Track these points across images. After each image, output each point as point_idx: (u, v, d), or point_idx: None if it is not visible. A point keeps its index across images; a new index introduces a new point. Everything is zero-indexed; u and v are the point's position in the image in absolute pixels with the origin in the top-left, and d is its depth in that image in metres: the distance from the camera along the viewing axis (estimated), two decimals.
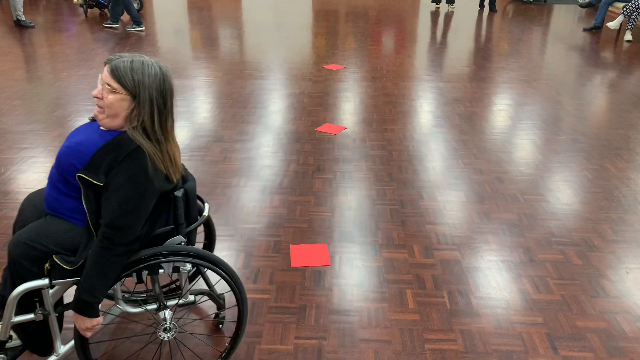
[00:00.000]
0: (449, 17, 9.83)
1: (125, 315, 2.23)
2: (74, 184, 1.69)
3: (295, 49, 7.16)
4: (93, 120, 1.82)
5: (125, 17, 9.15)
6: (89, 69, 5.98)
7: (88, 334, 1.71)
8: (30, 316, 1.75)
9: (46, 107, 4.78)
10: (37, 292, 1.73)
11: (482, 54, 7.07)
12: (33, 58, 6.45)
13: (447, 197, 3.34)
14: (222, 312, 2.22)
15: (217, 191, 3.37)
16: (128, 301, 1.97)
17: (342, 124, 4.53)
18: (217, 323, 2.23)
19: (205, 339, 2.19)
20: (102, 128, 1.74)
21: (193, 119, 4.58)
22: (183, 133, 4.27)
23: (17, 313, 1.73)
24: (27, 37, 7.56)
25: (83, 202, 1.66)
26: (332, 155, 3.91)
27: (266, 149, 4.00)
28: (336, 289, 2.50)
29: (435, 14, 10.08)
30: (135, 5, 9.39)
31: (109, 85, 1.65)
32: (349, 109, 4.88)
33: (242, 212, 3.13)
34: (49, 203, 1.76)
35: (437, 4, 10.84)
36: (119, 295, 1.87)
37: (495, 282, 2.56)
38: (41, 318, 1.75)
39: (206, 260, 1.84)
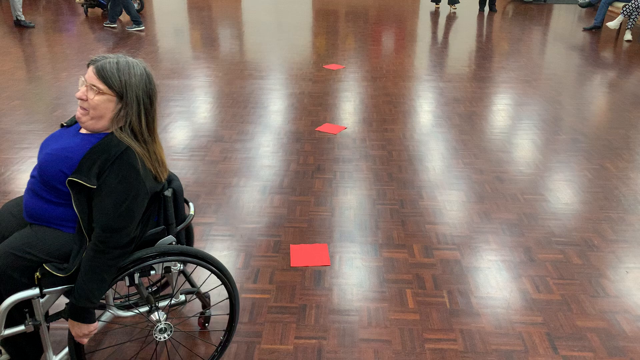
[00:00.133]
0: (449, 17, 9.83)
1: (118, 319, 2.22)
2: (62, 191, 1.65)
3: (295, 49, 7.16)
4: (67, 126, 1.80)
5: (125, 17, 9.15)
6: None
7: (85, 341, 1.69)
8: (21, 328, 1.70)
9: (46, 107, 4.78)
10: (25, 303, 1.69)
11: (482, 53, 7.07)
12: (33, 58, 6.46)
13: (447, 197, 3.34)
14: (207, 311, 2.22)
15: (217, 191, 3.37)
16: (119, 305, 1.95)
17: (342, 123, 4.53)
18: (203, 322, 2.23)
19: (200, 336, 2.19)
20: (83, 131, 1.71)
21: (193, 118, 4.58)
22: (183, 133, 4.28)
23: (7, 326, 1.68)
24: (27, 37, 7.56)
25: (74, 207, 1.63)
26: (332, 155, 3.91)
27: (266, 148, 4.00)
28: (336, 288, 2.50)
29: (435, 14, 10.08)
30: (135, 5, 9.40)
31: (94, 86, 1.62)
32: (349, 109, 4.88)
33: (242, 212, 3.13)
34: (32, 214, 1.71)
35: (437, 3, 10.83)
36: (111, 300, 1.85)
37: (495, 282, 2.56)
38: (32, 329, 1.70)
39: (200, 258, 1.85)
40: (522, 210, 3.21)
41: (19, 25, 8.16)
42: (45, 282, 1.66)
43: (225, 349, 2.05)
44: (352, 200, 3.28)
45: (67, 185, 1.61)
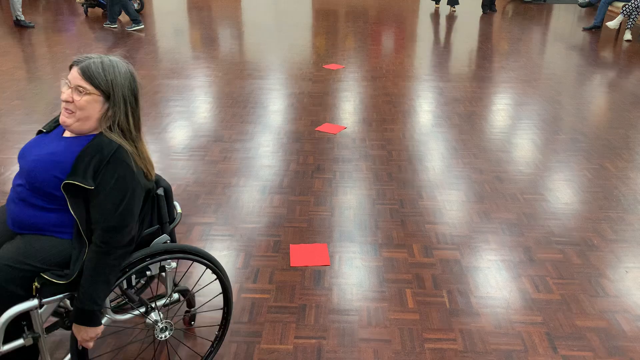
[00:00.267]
0: (449, 17, 9.83)
1: (118, 323, 2.22)
2: (56, 196, 1.62)
3: (295, 49, 7.16)
4: (47, 131, 1.75)
5: (125, 17, 9.15)
6: None
7: (91, 345, 1.66)
8: (20, 342, 1.64)
9: (46, 107, 4.78)
10: (21, 315, 1.63)
11: (482, 53, 7.07)
12: (33, 58, 6.46)
13: (447, 197, 3.34)
14: (192, 309, 2.22)
15: (216, 191, 3.37)
16: (114, 308, 1.94)
17: (341, 123, 4.53)
18: (189, 320, 2.24)
19: (193, 333, 2.19)
20: (67, 135, 1.69)
21: (193, 118, 4.58)
22: (183, 133, 4.28)
23: (4, 342, 1.62)
24: (27, 37, 7.56)
25: (72, 211, 1.60)
26: (331, 155, 3.91)
27: (266, 148, 4.01)
28: (336, 288, 2.50)
29: (435, 14, 10.08)
30: (135, 5, 9.40)
31: (80, 87, 1.61)
32: (348, 109, 4.88)
33: (241, 212, 3.13)
34: (23, 223, 1.67)
35: (437, 3, 10.83)
36: (108, 304, 1.84)
37: (494, 282, 2.56)
38: (31, 342, 1.65)
39: (198, 255, 1.87)
40: (522, 210, 3.21)
41: (18, 25, 8.16)
42: (44, 291, 1.62)
43: (221, 344, 2.05)
44: (351, 200, 3.28)
45: (62, 189, 1.59)
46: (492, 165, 3.78)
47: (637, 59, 6.86)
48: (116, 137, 1.66)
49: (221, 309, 2.13)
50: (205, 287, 2.45)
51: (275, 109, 4.85)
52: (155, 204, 1.82)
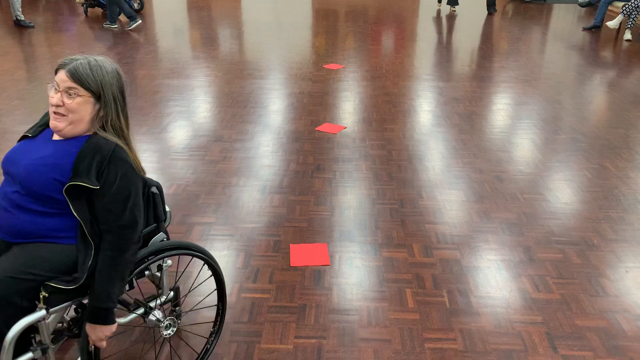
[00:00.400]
0: (449, 17, 9.82)
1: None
2: (57, 200, 1.59)
3: (294, 49, 7.16)
4: (30, 137, 1.71)
5: (124, 17, 9.14)
6: None
7: (104, 344, 1.65)
8: (29, 356, 1.60)
9: (46, 107, 4.78)
10: (28, 328, 1.59)
11: (482, 53, 7.07)
12: (33, 58, 6.46)
13: (447, 197, 3.34)
14: (178, 308, 2.22)
15: (216, 190, 3.37)
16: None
17: (341, 123, 4.53)
18: (175, 317, 2.24)
19: (192, 330, 2.19)
20: (56, 138, 1.67)
21: (193, 118, 4.58)
22: (183, 133, 4.28)
23: (13, 358, 1.55)
24: (27, 37, 7.56)
25: (75, 214, 1.59)
26: (331, 155, 3.91)
27: (266, 148, 4.01)
28: (336, 288, 2.50)
29: (435, 14, 10.08)
30: (135, 5, 9.40)
31: (70, 89, 1.60)
32: (348, 109, 4.88)
33: (241, 212, 3.13)
34: (21, 231, 1.62)
35: (439, 3, 10.81)
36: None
37: (494, 281, 2.56)
38: (40, 355, 1.61)
39: (197, 250, 1.91)
40: (522, 209, 3.21)
41: (18, 25, 8.16)
42: (51, 300, 1.57)
43: (217, 339, 2.07)
44: (351, 200, 3.28)
45: (64, 192, 1.57)
46: (492, 165, 3.78)
47: (637, 59, 6.86)
48: (111, 136, 1.67)
49: (215, 305, 2.14)
50: (200, 285, 2.45)
51: (275, 108, 4.85)
52: (151, 203, 1.83)
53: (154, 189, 1.83)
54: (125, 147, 1.69)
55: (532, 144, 4.16)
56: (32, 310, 1.55)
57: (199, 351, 2.10)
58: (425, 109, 4.89)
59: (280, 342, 2.17)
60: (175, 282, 2.18)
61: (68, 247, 1.64)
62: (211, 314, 2.31)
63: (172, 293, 2.04)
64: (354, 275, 2.60)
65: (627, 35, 7.89)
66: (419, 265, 2.67)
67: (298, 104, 4.97)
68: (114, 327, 1.64)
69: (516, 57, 6.83)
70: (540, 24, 9.18)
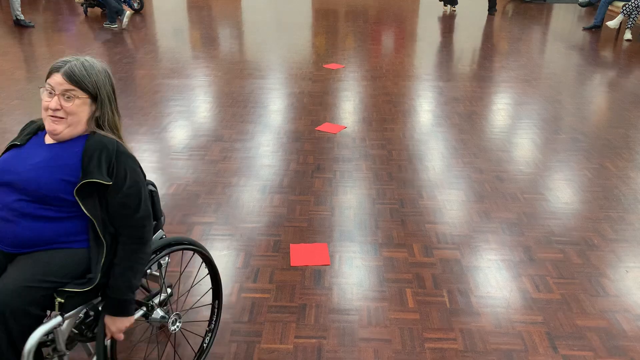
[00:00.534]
0: (449, 17, 9.82)
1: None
2: (66, 201, 1.58)
3: (294, 49, 7.16)
4: (18, 146, 1.68)
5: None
6: None
7: (122, 336, 1.67)
8: None
9: None
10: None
11: (482, 53, 7.07)
12: (32, 58, 6.45)
13: (447, 196, 3.34)
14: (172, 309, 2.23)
15: (217, 190, 3.37)
16: None
17: (341, 123, 4.52)
18: None
19: (189, 328, 2.19)
20: (49, 142, 1.65)
21: (193, 118, 4.58)
22: (183, 132, 4.27)
23: None
24: (27, 36, 7.56)
25: (87, 213, 1.58)
26: (332, 155, 3.90)
27: (266, 148, 4.00)
28: (336, 288, 2.50)
29: (435, 14, 10.07)
30: (135, 4, 9.40)
31: (67, 91, 1.59)
32: (348, 108, 4.88)
33: (242, 212, 3.13)
34: (29, 240, 1.57)
35: (445, 5, 10.54)
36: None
37: (495, 281, 2.56)
38: None
39: (198, 246, 1.94)
40: (522, 209, 3.20)
41: (18, 24, 8.16)
42: (66, 305, 1.55)
43: (214, 336, 2.08)
44: (352, 200, 3.28)
45: (75, 193, 1.56)
46: (492, 165, 3.78)
47: (637, 59, 6.85)
48: (110, 134, 1.69)
49: (210, 304, 2.15)
50: (200, 285, 2.45)
51: (275, 108, 4.85)
52: (149, 200, 1.83)
53: (151, 187, 1.85)
54: (122, 142, 1.71)
55: (532, 144, 4.16)
56: (42, 318, 1.53)
57: (195, 348, 2.11)
58: (425, 109, 4.89)
59: (280, 342, 2.17)
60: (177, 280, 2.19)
61: (80, 251, 1.62)
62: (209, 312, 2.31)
63: (170, 290, 2.04)
64: (354, 275, 2.59)
65: (627, 35, 7.89)
66: (419, 265, 2.67)
67: (298, 104, 4.97)
68: (132, 319, 1.67)
69: (516, 57, 6.83)
70: (540, 23, 9.18)
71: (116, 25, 8.22)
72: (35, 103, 4.88)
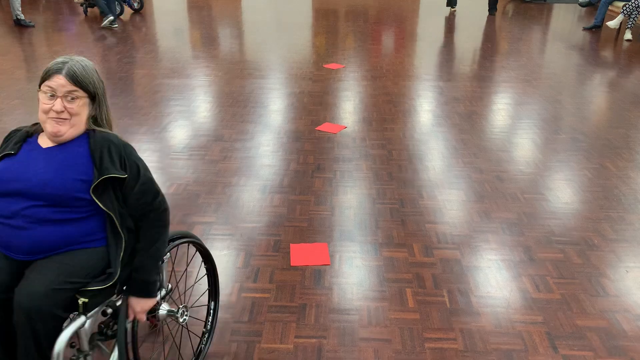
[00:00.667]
0: (449, 17, 9.82)
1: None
2: (83, 200, 1.58)
3: (295, 48, 7.16)
4: (11, 155, 1.63)
5: (126, 17, 9.14)
6: None
7: (144, 318, 1.70)
8: None
9: None
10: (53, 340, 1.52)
11: (482, 53, 7.07)
12: (33, 57, 6.45)
13: (447, 196, 3.34)
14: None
15: (217, 190, 3.37)
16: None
17: (342, 123, 4.52)
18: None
19: (187, 326, 2.19)
20: (47, 145, 1.63)
21: (193, 118, 4.58)
22: (183, 132, 4.27)
23: None
24: (27, 36, 7.56)
25: (105, 208, 1.59)
26: (332, 155, 3.91)
27: (266, 148, 4.00)
28: (336, 288, 2.50)
29: (435, 14, 10.07)
30: (135, 4, 9.40)
31: (70, 93, 1.59)
32: (348, 108, 4.88)
33: (242, 211, 3.13)
34: (48, 245, 1.56)
35: (450, 7, 10.42)
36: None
37: (495, 281, 2.56)
38: None
39: (194, 238, 1.99)
40: (522, 209, 3.21)
41: (18, 24, 8.16)
42: (88, 305, 1.55)
43: (212, 335, 2.10)
44: (352, 200, 3.28)
45: (91, 191, 1.57)
46: (493, 165, 3.78)
47: (637, 59, 6.85)
48: (109, 131, 1.73)
49: (206, 304, 2.16)
50: (199, 284, 2.45)
51: (275, 108, 4.85)
52: None
53: None
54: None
55: (532, 144, 4.16)
56: (64, 320, 1.52)
57: (194, 347, 2.11)
58: (425, 109, 4.89)
59: (280, 342, 2.17)
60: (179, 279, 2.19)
61: (99, 249, 1.63)
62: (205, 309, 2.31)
63: (169, 286, 2.04)
64: (354, 275, 2.59)
65: (628, 35, 7.89)
66: (419, 265, 2.67)
67: (298, 104, 4.97)
68: (155, 300, 1.71)
69: (516, 57, 6.83)
70: (540, 23, 9.18)
71: (116, 25, 8.22)
72: (36, 103, 4.88)
